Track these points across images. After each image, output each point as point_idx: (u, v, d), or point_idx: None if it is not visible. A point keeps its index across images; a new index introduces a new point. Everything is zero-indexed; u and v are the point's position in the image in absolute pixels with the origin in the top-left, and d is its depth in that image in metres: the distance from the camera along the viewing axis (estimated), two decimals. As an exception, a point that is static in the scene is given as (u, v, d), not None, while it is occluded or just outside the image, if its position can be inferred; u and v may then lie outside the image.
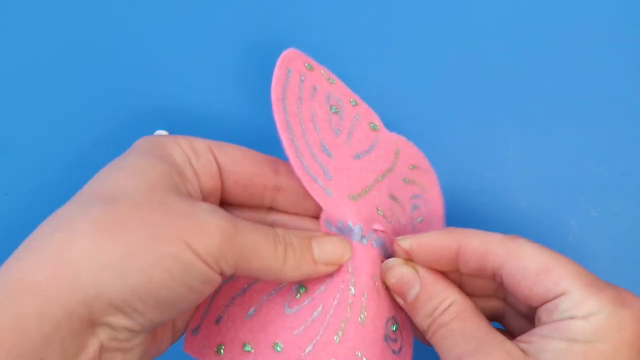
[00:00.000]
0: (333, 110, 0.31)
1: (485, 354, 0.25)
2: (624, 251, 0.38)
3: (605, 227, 0.38)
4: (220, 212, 0.25)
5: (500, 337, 0.25)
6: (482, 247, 0.27)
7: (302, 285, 0.29)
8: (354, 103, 0.32)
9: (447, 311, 0.27)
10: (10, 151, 0.38)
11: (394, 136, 0.33)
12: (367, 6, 0.39)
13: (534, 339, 0.25)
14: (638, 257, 0.38)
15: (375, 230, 0.30)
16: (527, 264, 0.26)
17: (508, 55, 0.38)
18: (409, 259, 0.29)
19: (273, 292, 0.29)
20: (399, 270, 0.28)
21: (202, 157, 0.28)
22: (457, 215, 0.38)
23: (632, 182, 0.39)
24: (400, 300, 0.29)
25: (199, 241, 0.23)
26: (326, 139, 0.30)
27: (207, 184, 0.28)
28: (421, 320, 0.28)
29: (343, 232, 0.29)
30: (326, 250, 0.28)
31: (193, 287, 0.23)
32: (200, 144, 0.28)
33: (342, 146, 0.31)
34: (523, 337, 0.25)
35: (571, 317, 0.24)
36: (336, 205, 0.29)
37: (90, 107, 0.38)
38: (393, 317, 0.29)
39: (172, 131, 0.38)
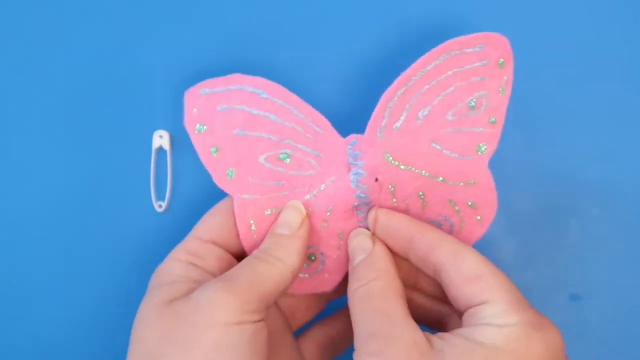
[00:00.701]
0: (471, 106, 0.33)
1: (394, 338, 0.26)
2: (624, 251, 0.38)
3: (605, 227, 0.38)
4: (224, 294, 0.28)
5: (414, 326, 0.27)
6: (432, 241, 0.30)
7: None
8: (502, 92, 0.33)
9: (372, 283, 0.29)
10: (10, 151, 0.38)
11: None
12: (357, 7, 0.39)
13: (447, 337, 0.27)
14: (638, 257, 0.38)
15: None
16: (465, 267, 0.28)
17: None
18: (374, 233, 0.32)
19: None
20: (359, 239, 0.32)
21: (205, 256, 0.32)
22: (457, 215, 0.38)
23: (632, 182, 0.38)
24: (350, 262, 0.32)
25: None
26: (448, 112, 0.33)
27: (219, 265, 0.32)
28: (351, 284, 0.30)
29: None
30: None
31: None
32: (194, 246, 0.32)
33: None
34: (440, 334, 0.27)
35: (487, 324, 0.26)
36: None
37: (90, 106, 0.38)
38: (316, 247, 0.34)
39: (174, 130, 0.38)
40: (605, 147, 0.39)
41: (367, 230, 0.32)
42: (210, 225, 0.33)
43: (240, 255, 0.33)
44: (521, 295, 0.28)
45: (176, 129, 0.38)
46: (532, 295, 0.38)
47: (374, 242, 0.32)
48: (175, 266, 0.31)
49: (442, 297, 0.32)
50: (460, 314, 0.29)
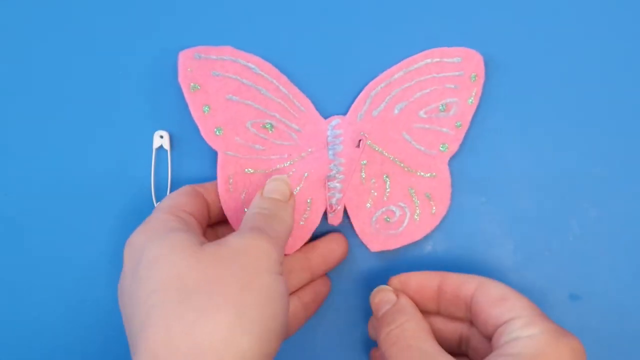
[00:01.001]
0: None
1: None
2: (624, 251, 0.38)
3: (605, 227, 0.38)
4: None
5: (450, 357, 0.29)
6: (460, 278, 0.33)
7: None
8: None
9: (405, 324, 0.32)
10: (10, 151, 0.38)
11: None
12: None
13: None
14: (638, 257, 0.38)
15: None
16: (492, 292, 0.31)
17: (507, 54, 0.39)
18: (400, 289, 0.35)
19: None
20: (382, 294, 0.34)
21: (186, 219, 0.33)
22: (457, 215, 0.38)
23: (632, 182, 0.39)
24: (375, 315, 0.34)
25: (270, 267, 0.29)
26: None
27: (198, 230, 0.33)
28: (382, 330, 0.32)
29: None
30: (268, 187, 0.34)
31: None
32: (196, 204, 0.34)
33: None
34: None
35: (517, 338, 0.29)
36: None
37: (91, 107, 0.38)
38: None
39: (173, 131, 0.38)
40: (605, 147, 0.39)
41: (388, 287, 0.35)
42: (178, 201, 0.33)
43: (204, 231, 0.35)
44: (541, 311, 0.30)
45: (176, 129, 0.38)
46: (532, 295, 0.38)
47: (397, 294, 0.34)
48: (168, 219, 0.31)
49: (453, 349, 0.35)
50: (489, 338, 0.31)
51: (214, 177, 0.37)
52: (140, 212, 0.38)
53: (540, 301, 0.38)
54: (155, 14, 0.38)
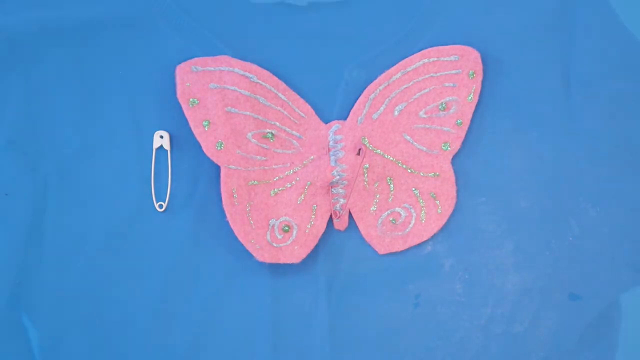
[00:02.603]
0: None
1: None
2: (623, 251, 0.38)
3: (605, 227, 0.38)
4: None
5: None
6: None
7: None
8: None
9: None
10: (10, 151, 0.38)
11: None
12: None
13: None
14: (638, 257, 0.39)
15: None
16: None
17: (507, 54, 0.39)
18: None
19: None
20: None
21: None
22: (457, 215, 0.38)
23: (632, 182, 0.39)
24: None
25: None
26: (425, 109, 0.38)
27: None
28: None
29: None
30: None
31: None
32: None
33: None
34: None
35: None
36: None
37: (91, 107, 0.38)
38: (291, 219, 0.37)
39: (173, 132, 0.38)
40: (605, 147, 0.39)
41: None
42: None
43: None
44: None
45: (176, 129, 0.38)
46: (532, 295, 0.38)
47: None
48: None
49: None
50: None
51: (214, 177, 0.37)
52: (139, 212, 0.38)
53: (540, 301, 0.38)
54: (157, 14, 0.38)
